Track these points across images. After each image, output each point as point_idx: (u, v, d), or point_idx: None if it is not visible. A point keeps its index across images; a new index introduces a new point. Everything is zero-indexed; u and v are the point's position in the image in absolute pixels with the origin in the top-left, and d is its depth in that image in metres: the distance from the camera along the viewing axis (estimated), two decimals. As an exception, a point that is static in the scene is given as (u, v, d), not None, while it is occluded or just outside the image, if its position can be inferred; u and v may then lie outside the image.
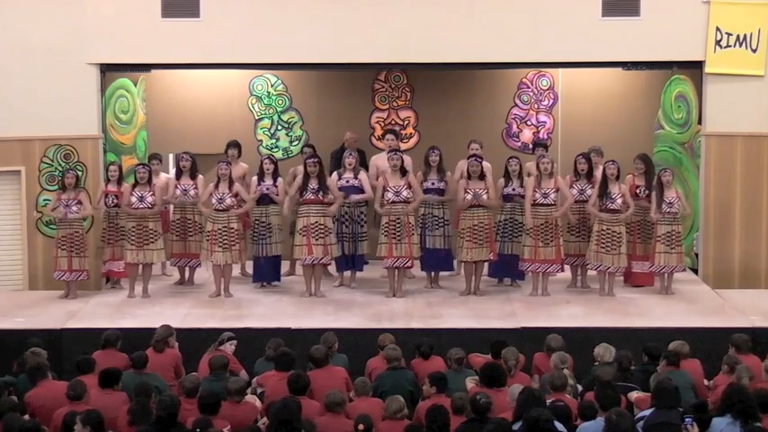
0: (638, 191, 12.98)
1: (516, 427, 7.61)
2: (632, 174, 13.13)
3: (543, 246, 12.60)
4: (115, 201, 12.88)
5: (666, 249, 12.60)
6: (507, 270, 13.19)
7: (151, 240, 12.75)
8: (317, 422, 8.31)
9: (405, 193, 12.59)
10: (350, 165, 13.10)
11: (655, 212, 12.59)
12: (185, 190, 13.12)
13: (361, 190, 13.05)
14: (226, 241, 12.59)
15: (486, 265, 13.05)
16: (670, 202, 12.58)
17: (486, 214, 12.72)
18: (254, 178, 13.07)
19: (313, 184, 12.60)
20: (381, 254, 12.71)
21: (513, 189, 12.90)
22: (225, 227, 12.62)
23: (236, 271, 13.25)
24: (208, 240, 12.65)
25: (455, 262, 13.41)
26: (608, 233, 12.53)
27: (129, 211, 12.67)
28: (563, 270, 12.94)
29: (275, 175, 13.07)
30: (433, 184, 13.00)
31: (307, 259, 12.63)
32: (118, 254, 13.03)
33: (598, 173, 12.83)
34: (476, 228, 12.65)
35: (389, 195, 12.59)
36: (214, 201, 12.60)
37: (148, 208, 12.71)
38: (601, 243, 12.54)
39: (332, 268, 13.40)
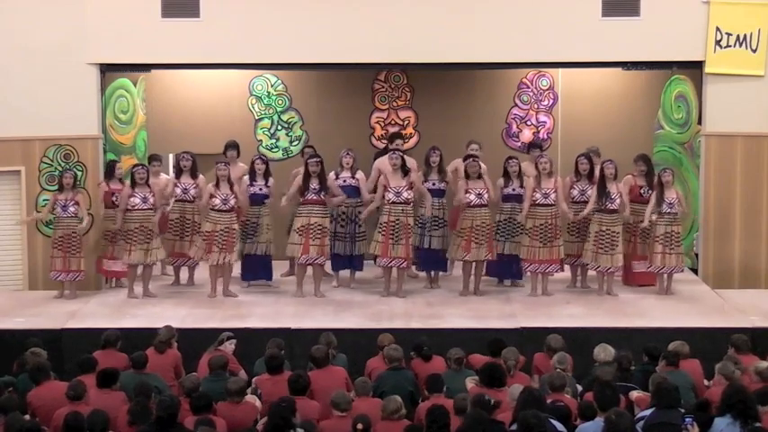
0: (641, 191, 12.94)
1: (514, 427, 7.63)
2: (633, 175, 13.11)
3: (542, 246, 12.60)
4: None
5: (665, 250, 12.59)
6: (507, 270, 13.19)
7: (152, 240, 12.75)
8: (317, 422, 8.34)
9: (405, 194, 12.59)
10: (347, 164, 13.11)
11: (653, 212, 12.54)
12: (186, 189, 13.12)
13: (358, 189, 13.06)
14: (226, 241, 12.59)
15: (484, 265, 13.05)
16: (670, 203, 12.57)
17: (488, 214, 12.72)
18: (246, 178, 13.05)
19: (314, 184, 12.60)
20: (376, 252, 12.70)
21: (513, 189, 12.90)
22: (227, 227, 12.61)
23: (235, 271, 13.23)
24: (205, 241, 12.62)
25: (449, 263, 13.41)
26: (607, 233, 12.52)
27: (123, 215, 12.64)
28: (562, 270, 12.93)
29: (266, 175, 13.06)
30: (434, 184, 13.01)
31: (301, 258, 12.63)
32: (117, 253, 13.02)
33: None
34: (478, 228, 12.64)
35: (390, 196, 12.58)
36: (218, 202, 12.55)
37: (150, 209, 12.70)
38: (599, 243, 12.53)
39: (329, 268, 13.37)
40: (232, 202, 12.60)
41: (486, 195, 12.66)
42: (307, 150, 13.59)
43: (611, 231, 12.53)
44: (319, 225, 12.59)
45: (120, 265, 13.04)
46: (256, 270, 13.22)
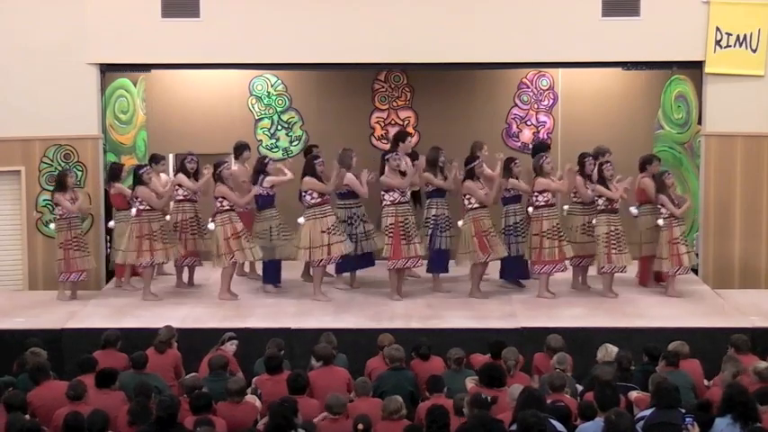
0: None
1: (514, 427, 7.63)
2: (647, 177, 12.94)
3: (564, 244, 12.53)
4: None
5: (684, 250, 12.56)
6: (521, 271, 13.15)
7: (171, 239, 12.77)
8: (317, 423, 8.34)
9: (409, 194, 12.61)
10: (356, 164, 13.12)
11: (678, 212, 12.47)
12: (195, 190, 13.15)
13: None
14: (247, 238, 12.58)
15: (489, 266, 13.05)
16: (678, 204, 12.60)
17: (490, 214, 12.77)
18: (271, 178, 12.95)
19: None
20: (388, 254, 12.68)
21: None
22: (243, 226, 12.62)
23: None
24: (236, 241, 12.50)
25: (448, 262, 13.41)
26: (616, 233, 12.51)
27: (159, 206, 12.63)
28: (566, 268, 12.91)
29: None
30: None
31: (333, 259, 12.58)
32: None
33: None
34: (493, 226, 12.65)
35: (396, 196, 12.55)
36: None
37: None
38: (612, 245, 12.47)
39: (330, 268, 13.34)
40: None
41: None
42: (313, 149, 13.57)
43: (619, 231, 12.53)
44: (336, 222, 12.60)
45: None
46: (277, 273, 13.18)
